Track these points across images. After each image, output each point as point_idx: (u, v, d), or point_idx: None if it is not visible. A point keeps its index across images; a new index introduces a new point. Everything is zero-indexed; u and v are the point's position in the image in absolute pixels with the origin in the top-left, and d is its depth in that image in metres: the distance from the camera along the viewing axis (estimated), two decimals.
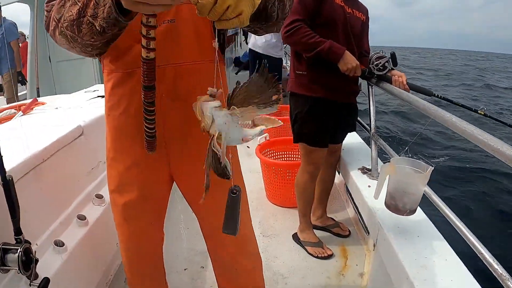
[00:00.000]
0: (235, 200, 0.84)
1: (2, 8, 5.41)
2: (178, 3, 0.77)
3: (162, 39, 1.04)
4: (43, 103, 2.29)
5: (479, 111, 2.35)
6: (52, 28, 0.96)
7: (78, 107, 2.16)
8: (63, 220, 1.51)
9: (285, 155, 3.24)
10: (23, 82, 5.77)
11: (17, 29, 5.62)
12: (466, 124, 1.20)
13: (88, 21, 0.90)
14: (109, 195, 1.26)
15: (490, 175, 5.39)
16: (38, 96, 4.67)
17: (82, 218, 1.60)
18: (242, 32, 8.64)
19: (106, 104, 1.19)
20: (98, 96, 2.44)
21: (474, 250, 1.15)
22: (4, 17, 5.49)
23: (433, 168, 1.39)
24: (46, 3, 1.01)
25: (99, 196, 1.76)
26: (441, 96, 2.23)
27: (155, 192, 1.24)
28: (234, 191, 0.83)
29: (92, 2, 0.89)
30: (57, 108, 2.15)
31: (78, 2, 0.91)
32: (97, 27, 0.90)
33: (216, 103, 0.80)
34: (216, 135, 0.79)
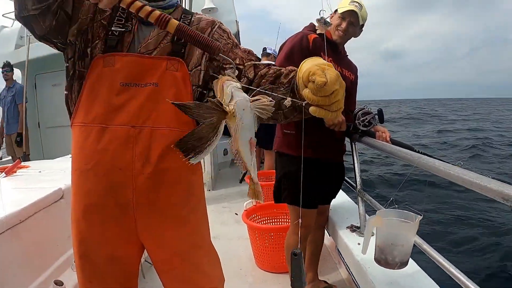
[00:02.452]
0: (297, 261, 0.89)
1: None
2: None
3: (143, 101, 1.09)
4: (27, 166, 2.28)
5: (456, 165, 2.40)
6: None
7: (61, 171, 2.14)
8: (39, 285, 1.44)
9: (274, 220, 3.18)
10: (21, 143, 5.81)
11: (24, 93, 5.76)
12: (450, 166, 1.24)
13: None
14: (75, 261, 1.19)
15: (477, 219, 5.37)
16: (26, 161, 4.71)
17: (59, 283, 1.52)
18: None
19: (74, 159, 1.14)
20: None
21: None
22: (15, 80, 5.70)
23: (421, 217, 1.37)
24: None
25: None
26: (421, 152, 2.27)
27: (123, 252, 1.17)
28: (295, 253, 0.88)
29: None
30: (40, 171, 2.13)
31: None
32: None
33: (238, 84, 0.86)
34: (230, 114, 0.83)
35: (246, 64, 1.17)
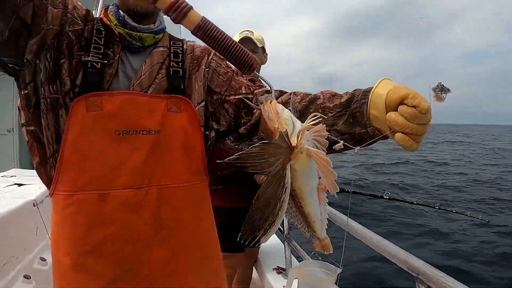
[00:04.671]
0: None
1: None
2: None
3: (147, 153, 0.87)
4: None
5: (414, 202, 2.64)
6: None
7: None
8: None
9: None
10: None
11: None
12: (367, 231, 1.33)
13: None
14: None
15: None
16: None
17: None
18: None
19: (60, 242, 0.88)
20: (15, 184, 2.30)
21: None
22: None
23: (341, 270, 1.47)
24: None
25: None
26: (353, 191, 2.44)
27: None
28: None
29: None
30: None
31: None
32: None
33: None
34: (297, 150, 0.60)
35: (256, 92, 1.02)
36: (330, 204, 0.84)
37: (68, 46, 0.87)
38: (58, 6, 0.86)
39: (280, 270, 2.23)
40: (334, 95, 0.90)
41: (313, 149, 0.61)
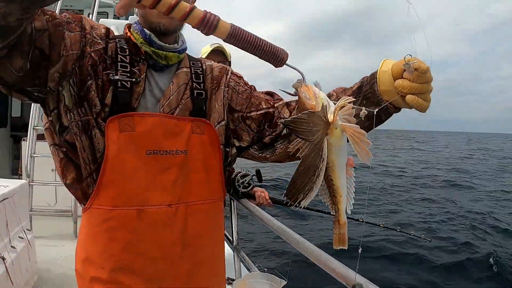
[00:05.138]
0: None
1: None
2: None
3: (176, 173, 0.94)
4: None
5: (380, 225, 2.75)
6: None
7: None
8: None
9: None
10: None
11: None
12: (308, 245, 1.33)
13: None
14: None
15: None
16: None
17: None
18: None
19: (93, 256, 0.92)
20: None
21: None
22: None
23: (285, 282, 1.50)
24: None
25: None
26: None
27: None
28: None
29: None
30: None
31: None
32: None
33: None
34: (332, 126, 0.68)
35: (276, 105, 1.08)
36: None
37: (93, 67, 0.89)
38: (75, 30, 0.87)
39: (230, 281, 2.24)
40: (345, 89, 0.97)
41: (347, 124, 0.69)
